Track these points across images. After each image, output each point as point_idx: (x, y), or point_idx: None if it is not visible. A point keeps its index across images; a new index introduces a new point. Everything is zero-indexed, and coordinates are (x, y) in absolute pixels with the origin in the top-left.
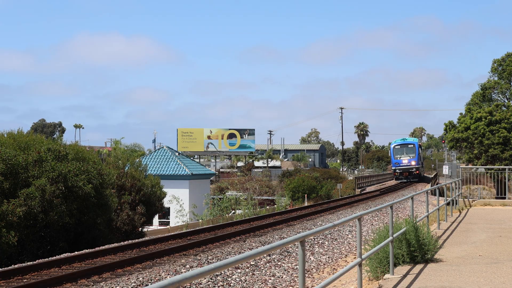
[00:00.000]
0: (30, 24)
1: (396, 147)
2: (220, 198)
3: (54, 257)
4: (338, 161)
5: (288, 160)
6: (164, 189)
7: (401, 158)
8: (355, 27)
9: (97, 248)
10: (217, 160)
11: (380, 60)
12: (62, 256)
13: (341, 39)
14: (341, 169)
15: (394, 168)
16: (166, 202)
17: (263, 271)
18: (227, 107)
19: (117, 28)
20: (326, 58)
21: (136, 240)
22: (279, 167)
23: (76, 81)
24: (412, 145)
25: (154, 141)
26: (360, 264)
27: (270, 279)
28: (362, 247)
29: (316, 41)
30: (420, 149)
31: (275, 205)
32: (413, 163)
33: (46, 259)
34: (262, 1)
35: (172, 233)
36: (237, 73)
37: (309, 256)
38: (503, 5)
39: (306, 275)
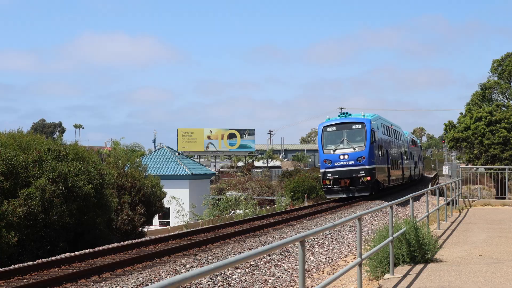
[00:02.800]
0: (34, 24)
1: (328, 129)
2: (219, 199)
3: (54, 257)
4: None
5: (288, 160)
6: (164, 189)
7: (336, 152)
8: (360, 27)
9: (97, 248)
10: (217, 160)
11: (385, 59)
12: (62, 256)
13: (346, 38)
14: None
15: (323, 171)
16: (166, 202)
17: (263, 271)
18: (230, 107)
19: (121, 28)
20: (330, 58)
21: (136, 240)
22: (279, 167)
23: (80, 81)
24: (359, 126)
25: (154, 141)
26: (360, 264)
27: (270, 279)
28: (362, 247)
29: (321, 41)
30: (382, 134)
31: (275, 205)
32: (360, 160)
33: (46, 259)
34: (266, 1)
35: (172, 233)
36: (241, 73)
37: (309, 256)
38: (508, 5)
39: (306, 275)
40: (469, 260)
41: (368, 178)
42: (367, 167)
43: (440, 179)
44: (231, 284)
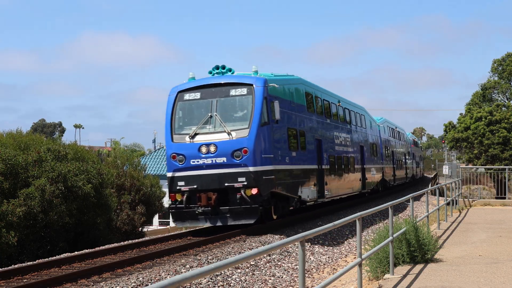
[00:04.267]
0: (35, 24)
1: (185, 96)
2: None
3: (54, 257)
4: None
5: None
6: (164, 189)
7: (196, 140)
8: (361, 27)
9: (97, 248)
10: None
11: (386, 59)
12: (62, 256)
13: (347, 39)
14: None
15: (170, 175)
16: (166, 202)
17: (263, 271)
18: None
19: (122, 28)
20: (331, 58)
21: (136, 240)
22: None
23: (81, 80)
24: (242, 91)
25: (154, 141)
26: (360, 264)
27: (270, 279)
28: (362, 247)
29: (322, 41)
30: (304, 110)
31: None
32: (239, 156)
33: (46, 259)
34: (267, 1)
35: (172, 233)
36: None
37: (309, 256)
38: (510, 4)
39: (306, 275)
40: (469, 260)
41: (254, 191)
42: (251, 169)
43: (440, 179)
44: (231, 284)
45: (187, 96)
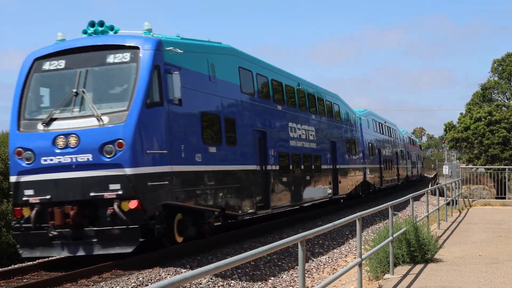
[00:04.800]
0: (36, 23)
1: (44, 66)
2: None
3: (54, 257)
4: None
5: None
6: None
7: (51, 128)
8: (363, 27)
9: None
10: None
11: (387, 59)
12: (62, 256)
13: (349, 38)
14: None
15: (14, 180)
16: None
17: (263, 271)
18: None
19: (123, 27)
20: (333, 58)
21: None
22: None
23: None
24: (124, 57)
25: None
26: (360, 264)
27: (270, 279)
28: (362, 247)
29: (323, 41)
30: (225, 84)
31: None
32: (111, 152)
33: (46, 259)
34: (270, 2)
35: None
36: None
37: (309, 256)
38: None
39: (306, 275)
40: (469, 260)
41: (133, 204)
42: (128, 171)
43: (440, 179)
44: (231, 284)
45: (47, 65)
